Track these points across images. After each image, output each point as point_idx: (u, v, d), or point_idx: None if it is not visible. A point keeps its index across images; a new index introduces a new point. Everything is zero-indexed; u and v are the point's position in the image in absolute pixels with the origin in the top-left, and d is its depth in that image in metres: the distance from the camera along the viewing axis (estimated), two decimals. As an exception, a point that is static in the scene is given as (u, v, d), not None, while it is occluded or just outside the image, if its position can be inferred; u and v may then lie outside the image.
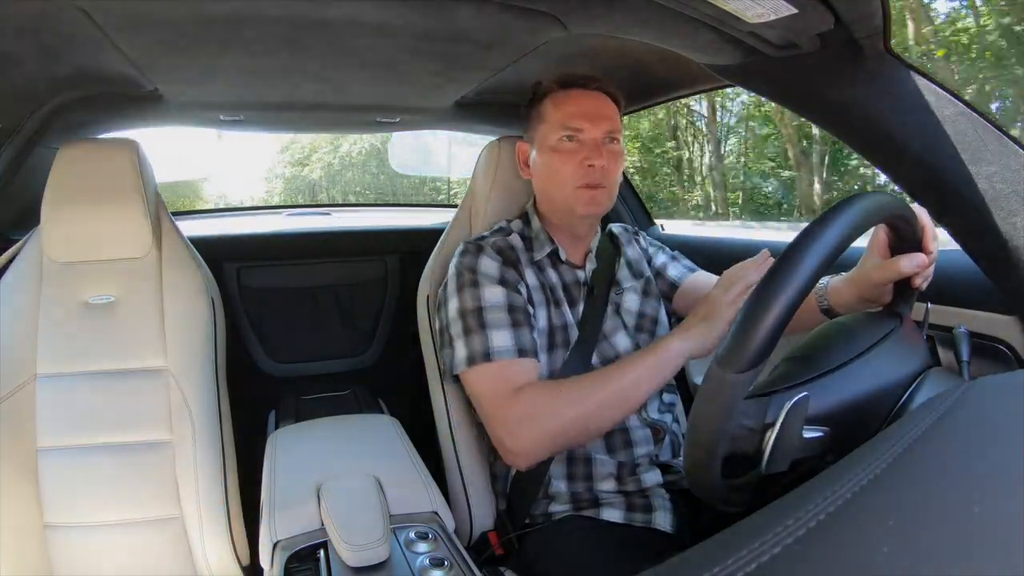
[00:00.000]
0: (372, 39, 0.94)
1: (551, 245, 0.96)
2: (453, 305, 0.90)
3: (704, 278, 1.04)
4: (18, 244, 1.11)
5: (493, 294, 0.88)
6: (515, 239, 0.97)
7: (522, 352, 0.85)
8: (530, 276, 0.93)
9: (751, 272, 0.82)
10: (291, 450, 0.89)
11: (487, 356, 0.85)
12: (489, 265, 0.90)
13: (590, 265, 0.98)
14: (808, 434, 0.50)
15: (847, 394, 0.53)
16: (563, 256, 0.97)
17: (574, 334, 0.92)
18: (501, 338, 0.85)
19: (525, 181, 1.02)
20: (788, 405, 0.48)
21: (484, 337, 0.86)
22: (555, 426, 0.81)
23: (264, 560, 0.70)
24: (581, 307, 0.95)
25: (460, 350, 0.87)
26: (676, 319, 1.09)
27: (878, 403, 0.53)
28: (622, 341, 0.95)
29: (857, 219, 0.49)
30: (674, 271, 1.05)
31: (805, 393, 0.49)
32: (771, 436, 0.49)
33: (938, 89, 0.68)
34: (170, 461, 1.03)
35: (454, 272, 0.92)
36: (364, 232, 1.82)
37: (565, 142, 0.91)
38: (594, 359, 0.92)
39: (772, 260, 0.74)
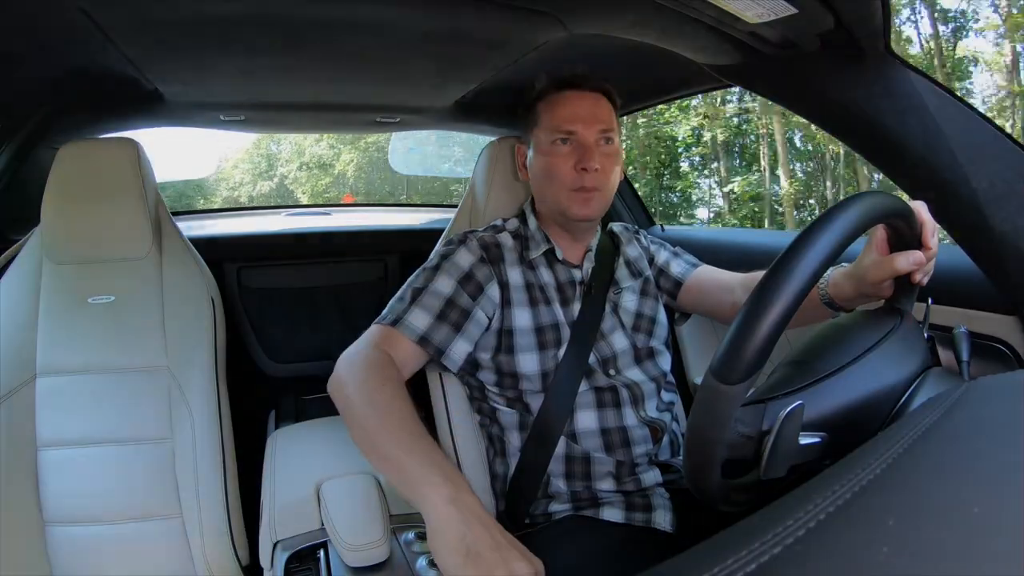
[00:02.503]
0: (372, 39, 0.94)
1: (547, 244, 0.96)
2: (408, 280, 0.91)
3: (708, 273, 1.03)
4: (18, 244, 1.11)
5: (443, 285, 0.88)
6: (505, 236, 0.97)
7: (423, 341, 0.85)
8: (514, 275, 0.93)
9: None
10: (291, 450, 0.89)
11: (395, 322, 0.84)
12: (464, 258, 0.91)
13: (588, 264, 0.98)
14: (805, 440, 0.50)
15: (844, 399, 0.53)
16: (560, 255, 0.97)
17: (566, 333, 0.92)
18: (418, 318, 0.85)
19: (524, 181, 1.02)
20: (783, 414, 0.48)
21: (406, 309, 0.86)
22: (347, 414, 0.74)
23: (264, 560, 0.70)
24: (577, 306, 0.95)
25: (383, 311, 0.87)
26: (681, 315, 1.09)
27: (877, 406, 0.53)
28: (619, 340, 0.95)
29: (852, 224, 0.48)
30: (677, 268, 1.05)
31: (800, 402, 0.49)
32: (768, 443, 0.49)
33: (938, 89, 0.68)
34: (170, 461, 1.03)
35: (431, 256, 0.94)
36: (364, 232, 1.82)
37: (559, 145, 0.91)
38: (591, 358, 0.92)
39: None
